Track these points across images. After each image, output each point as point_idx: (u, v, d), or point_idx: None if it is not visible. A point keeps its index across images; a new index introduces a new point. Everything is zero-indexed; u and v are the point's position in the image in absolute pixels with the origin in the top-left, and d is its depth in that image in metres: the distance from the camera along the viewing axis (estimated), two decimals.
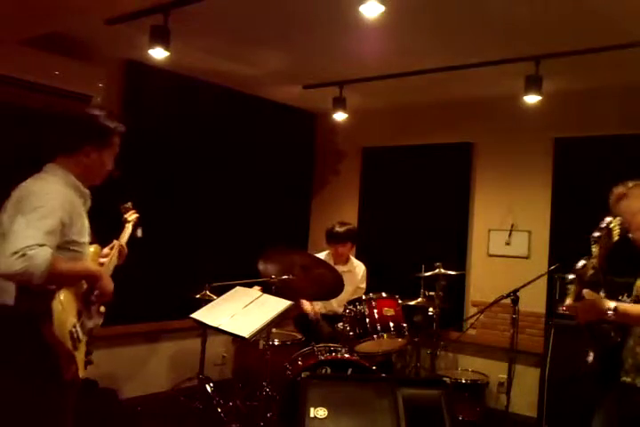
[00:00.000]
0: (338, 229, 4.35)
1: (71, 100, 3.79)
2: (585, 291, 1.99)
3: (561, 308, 2.00)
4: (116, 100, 4.21)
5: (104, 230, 2.52)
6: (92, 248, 2.23)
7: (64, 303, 1.88)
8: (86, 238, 2.12)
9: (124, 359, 4.39)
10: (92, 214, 2.27)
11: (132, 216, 2.70)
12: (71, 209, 2.01)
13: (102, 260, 2.36)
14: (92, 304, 2.10)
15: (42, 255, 1.78)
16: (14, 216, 1.90)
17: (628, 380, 2.08)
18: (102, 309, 2.25)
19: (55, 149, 2.15)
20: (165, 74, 4.36)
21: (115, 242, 2.46)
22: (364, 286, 4.50)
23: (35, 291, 1.84)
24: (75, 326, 1.95)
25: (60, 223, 1.92)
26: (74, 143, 2.13)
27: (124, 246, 2.49)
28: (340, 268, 4.18)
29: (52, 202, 1.94)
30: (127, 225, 2.63)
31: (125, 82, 4.30)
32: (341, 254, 4.42)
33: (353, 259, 4.58)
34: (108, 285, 2.10)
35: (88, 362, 2.10)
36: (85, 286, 2.05)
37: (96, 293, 2.07)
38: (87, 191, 2.17)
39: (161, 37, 3.26)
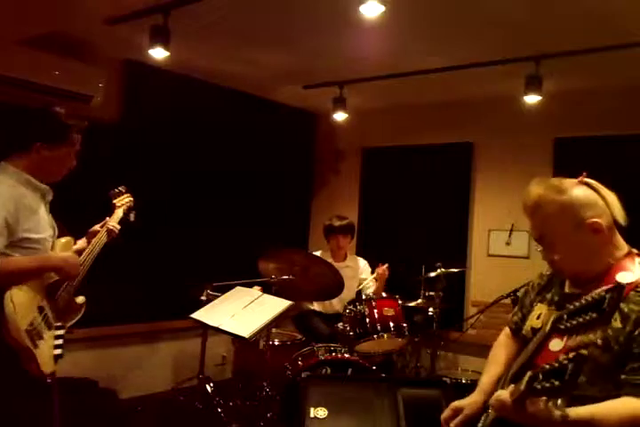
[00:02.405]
0: (338, 222, 4.34)
1: (71, 100, 3.79)
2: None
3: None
4: (115, 100, 4.21)
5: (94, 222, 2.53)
6: (64, 240, 2.25)
7: (16, 302, 1.89)
8: (45, 233, 2.11)
9: (124, 359, 4.39)
10: (82, 206, 2.27)
11: (123, 200, 2.68)
12: (18, 207, 1.99)
13: (80, 243, 2.40)
14: (58, 295, 2.11)
15: None
16: None
17: None
18: (80, 299, 2.27)
19: (10, 147, 2.15)
20: (165, 74, 4.36)
21: (106, 219, 2.51)
22: (366, 276, 4.44)
23: None
24: (32, 324, 1.95)
25: (4, 223, 1.92)
26: (24, 141, 2.12)
27: (115, 226, 2.50)
28: (338, 264, 4.18)
29: None
30: (117, 210, 2.62)
31: (125, 82, 4.30)
32: (342, 248, 4.39)
33: (351, 255, 4.57)
34: (72, 270, 2.11)
35: (58, 356, 2.09)
36: (51, 280, 2.07)
37: (61, 278, 2.09)
38: (43, 186, 2.15)
39: (161, 37, 3.26)
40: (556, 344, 1.43)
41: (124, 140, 4.28)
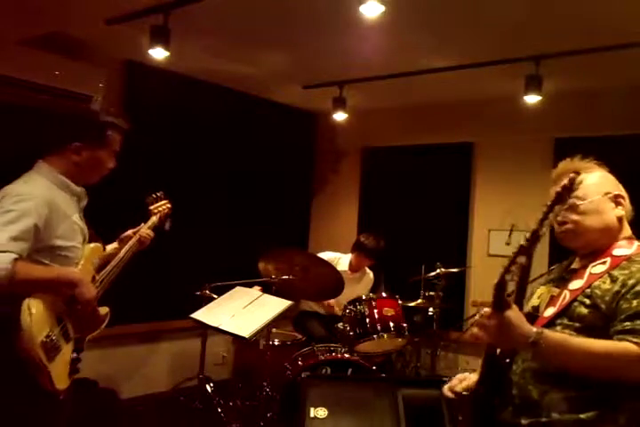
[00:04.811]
0: (375, 244, 4.30)
1: (71, 100, 3.79)
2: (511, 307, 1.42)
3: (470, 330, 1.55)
4: (115, 100, 4.20)
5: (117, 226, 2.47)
6: (92, 245, 2.14)
7: (34, 311, 1.77)
8: (76, 241, 2.01)
9: (124, 359, 4.39)
10: (105, 211, 2.19)
11: (161, 207, 2.58)
12: (51, 212, 1.88)
13: (110, 248, 2.33)
14: (75, 310, 1.95)
15: None
16: None
17: (507, 417, 1.54)
18: (104, 310, 2.14)
19: (48, 147, 2.07)
20: (165, 74, 4.36)
21: (141, 225, 2.42)
22: (367, 291, 4.48)
23: (6, 296, 1.74)
24: (49, 336, 1.82)
25: (31, 228, 1.81)
26: (62, 140, 2.04)
27: (149, 234, 2.42)
28: (350, 274, 4.30)
29: (24, 205, 1.81)
30: (152, 217, 2.52)
31: (125, 82, 4.30)
32: (361, 266, 4.43)
33: (366, 267, 4.58)
34: (87, 292, 1.92)
35: (74, 371, 1.97)
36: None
37: (75, 300, 1.92)
38: (79, 189, 2.06)
39: (161, 37, 3.26)
40: (549, 311, 1.57)
41: (123, 139, 4.27)
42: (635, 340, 1.38)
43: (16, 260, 1.72)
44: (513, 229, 4.73)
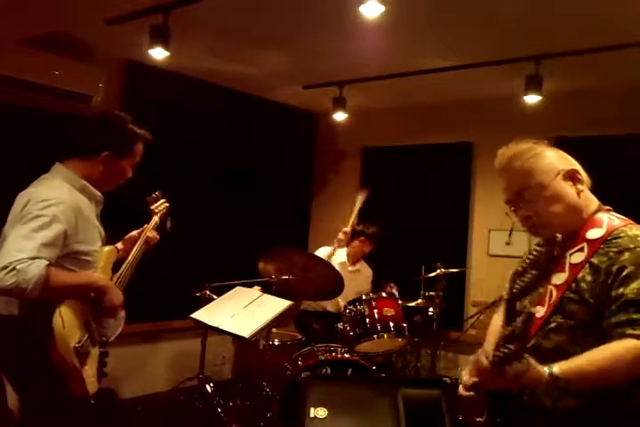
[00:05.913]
0: (374, 228, 4.41)
1: (71, 100, 3.79)
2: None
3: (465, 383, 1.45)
4: (115, 100, 4.20)
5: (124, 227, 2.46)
6: (107, 249, 2.14)
7: (65, 318, 1.78)
8: (96, 245, 2.01)
9: (124, 359, 4.38)
10: (104, 211, 2.18)
11: (160, 206, 2.58)
12: (76, 217, 1.88)
13: (119, 246, 2.34)
14: (101, 315, 1.98)
15: (32, 269, 1.66)
16: (14, 224, 1.80)
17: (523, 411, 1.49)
18: (122, 314, 2.16)
19: (71, 151, 2.05)
20: (165, 74, 4.36)
21: (145, 226, 2.43)
22: (368, 287, 4.50)
23: (37, 303, 1.74)
24: (80, 341, 1.83)
25: (61, 234, 1.80)
26: (93, 147, 2.03)
27: (155, 235, 2.44)
28: (352, 266, 4.34)
29: (54, 210, 1.81)
30: (154, 217, 2.53)
31: (125, 82, 4.30)
32: (361, 252, 4.46)
33: (362, 260, 4.61)
34: (116, 298, 1.97)
35: (102, 374, 1.99)
36: (93, 294, 1.94)
37: (103, 305, 1.95)
38: (98, 193, 2.07)
39: (161, 37, 3.26)
40: (540, 311, 1.51)
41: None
42: (635, 332, 1.33)
43: (48, 266, 1.72)
44: (513, 229, 4.73)
